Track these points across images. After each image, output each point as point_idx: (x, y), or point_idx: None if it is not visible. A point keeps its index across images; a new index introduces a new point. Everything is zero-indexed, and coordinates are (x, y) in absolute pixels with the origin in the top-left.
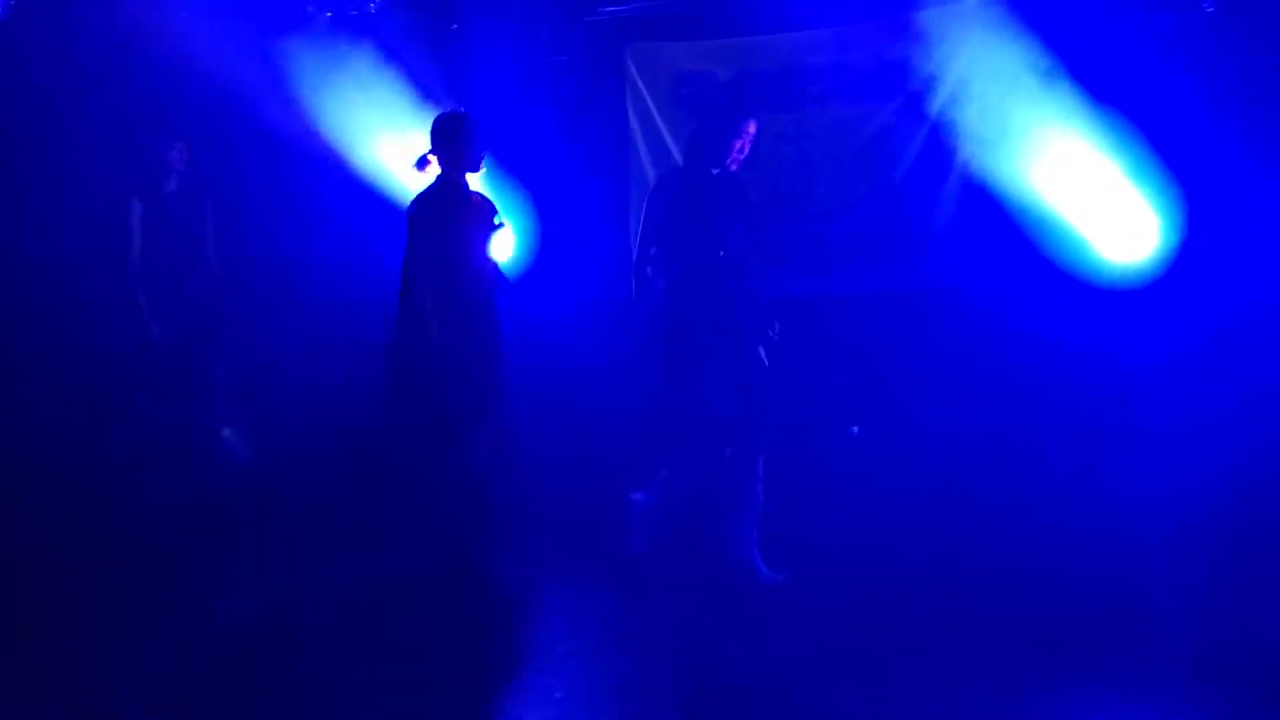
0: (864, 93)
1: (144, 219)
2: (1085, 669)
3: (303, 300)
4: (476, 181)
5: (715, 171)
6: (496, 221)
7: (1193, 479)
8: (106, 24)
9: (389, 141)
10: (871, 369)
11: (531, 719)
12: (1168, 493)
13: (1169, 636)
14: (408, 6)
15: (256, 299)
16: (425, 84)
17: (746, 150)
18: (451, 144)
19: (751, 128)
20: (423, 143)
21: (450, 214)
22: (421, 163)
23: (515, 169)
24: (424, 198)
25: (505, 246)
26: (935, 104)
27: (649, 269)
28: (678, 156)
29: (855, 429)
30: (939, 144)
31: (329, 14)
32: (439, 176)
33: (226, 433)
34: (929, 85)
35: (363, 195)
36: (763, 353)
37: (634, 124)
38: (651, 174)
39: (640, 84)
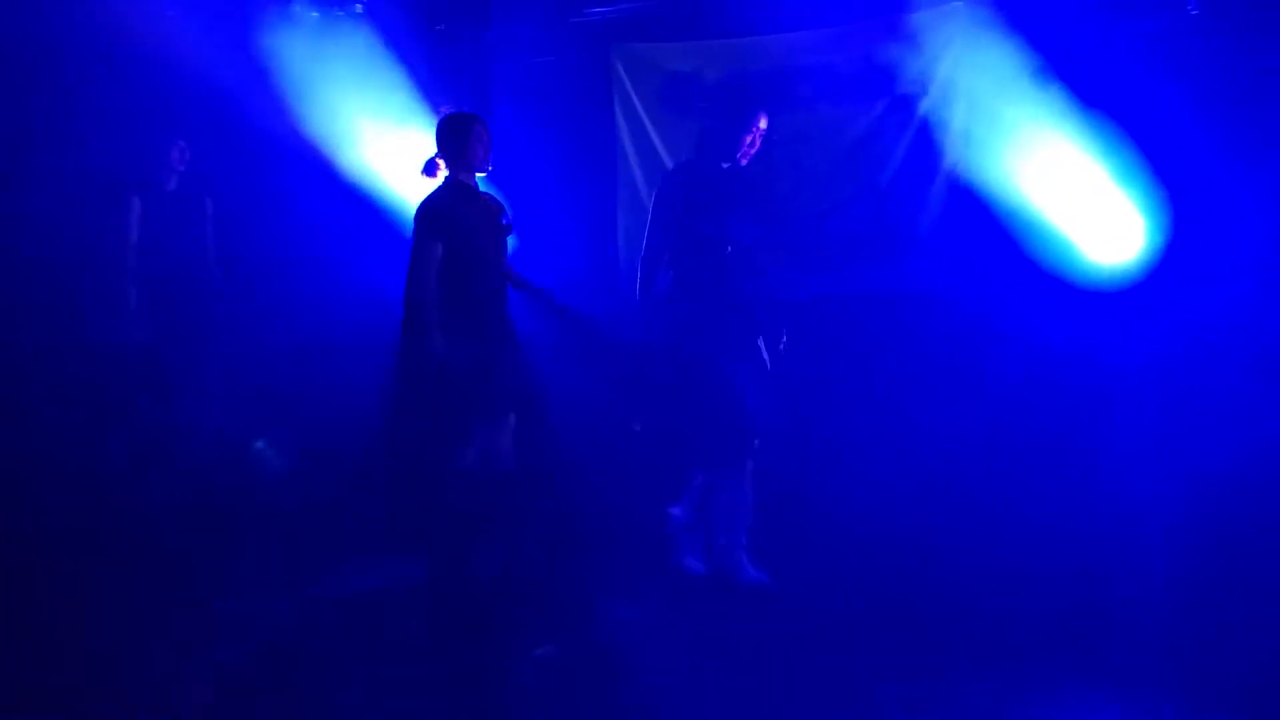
0: (851, 95)
1: (143, 217)
2: (1076, 669)
3: (296, 300)
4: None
5: (725, 166)
6: (506, 222)
7: (1179, 480)
8: (92, 22)
9: (374, 141)
10: (859, 370)
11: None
12: (1154, 494)
13: (1155, 637)
14: (394, 7)
15: (254, 298)
16: (412, 84)
17: (757, 144)
18: (459, 145)
19: (762, 122)
20: (414, 143)
21: (463, 216)
22: (430, 168)
23: (501, 170)
24: (433, 200)
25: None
26: (922, 106)
27: (655, 265)
28: (665, 157)
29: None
30: (926, 146)
31: (315, 14)
32: (447, 178)
33: (260, 444)
34: (916, 87)
35: (350, 195)
36: (765, 354)
37: (621, 125)
38: (639, 175)
39: (628, 85)
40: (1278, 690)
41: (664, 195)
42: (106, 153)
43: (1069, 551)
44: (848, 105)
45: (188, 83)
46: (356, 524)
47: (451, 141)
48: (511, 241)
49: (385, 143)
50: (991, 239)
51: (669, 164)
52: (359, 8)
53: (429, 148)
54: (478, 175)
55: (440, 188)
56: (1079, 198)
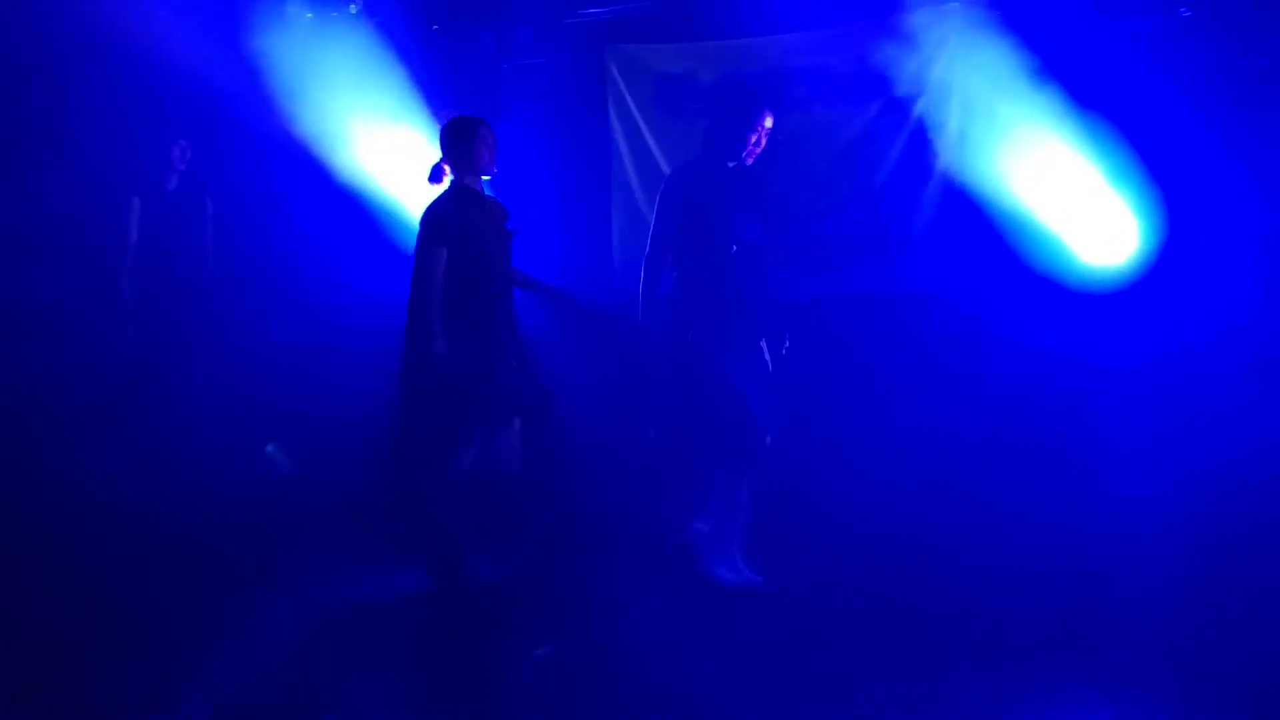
0: (846, 96)
1: (144, 216)
2: (1074, 670)
3: (292, 299)
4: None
5: (731, 165)
6: (511, 227)
7: (1175, 480)
8: (88, 24)
9: (368, 141)
10: (853, 370)
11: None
12: (1150, 494)
13: (1152, 637)
14: (389, 7)
15: (253, 297)
16: (407, 85)
17: (763, 144)
18: (464, 149)
19: (768, 121)
20: (408, 144)
21: (468, 221)
22: (436, 174)
23: (496, 171)
24: (438, 205)
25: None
26: (917, 108)
27: (660, 265)
28: (660, 158)
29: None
30: (920, 148)
31: (310, 14)
32: (452, 183)
33: (270, 448)
34: (910, 89)
35: (345, 196)
36: (767, 356)
37: (616, 126)
38: (634, 176)
39: (622, 86)
40: (1275, 690)
41: (669, 195)
42: (106, 152)
43: (1064, 551)
44: (842, 107)
45: (182, 83)
46: (357, 526)
47: (456, 145)
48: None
49: (379, 143)
50: (986, 240)
51: (663, 165)
52: (354, 8)
53: (421, 148)
54: (483, 179)
55: (445, 192)
56: (1073, 199)
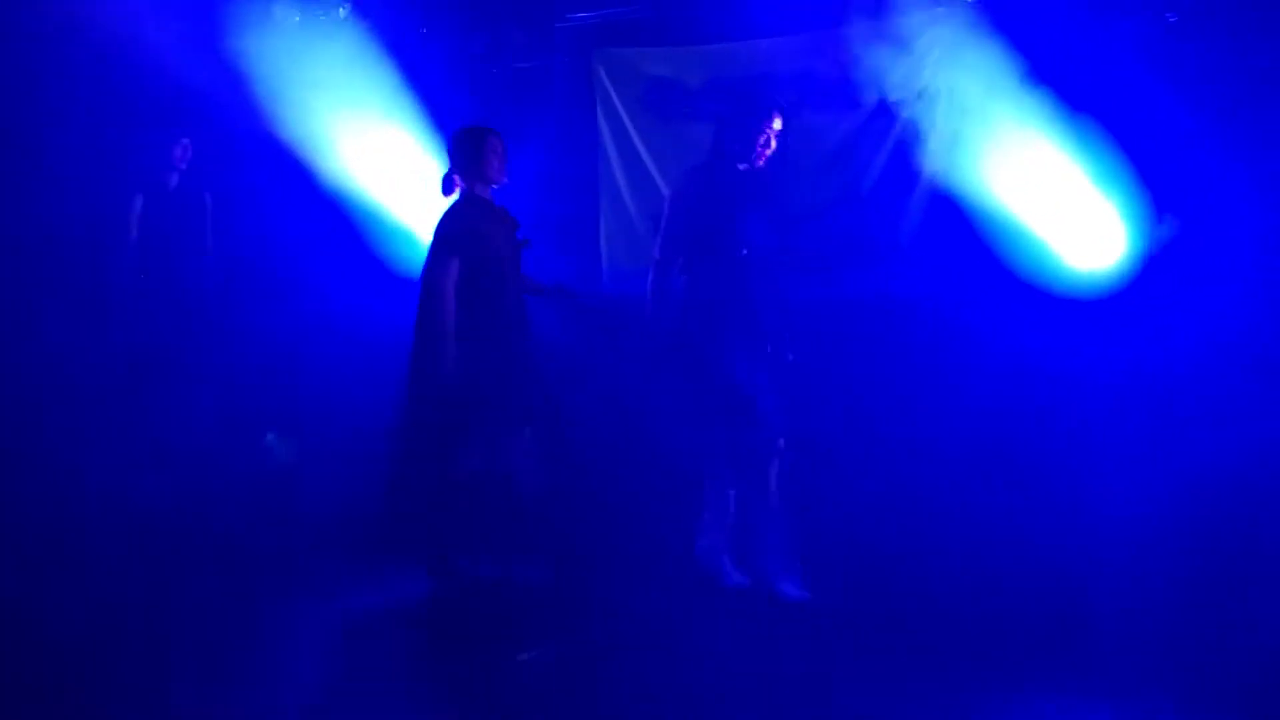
0: (833, 102)
1: (145, 214)
2: (1065, 672)
3: (288, 299)
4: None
5: (742, 167)
6: (522, 237)
7: (1163, 485)
8: (80, 25)
9: (356, 145)
10: (838, 376)
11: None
12: (1138, 499)
13: (1145, 640)
14: (378, 11)
15: (250, 296)
16: (395, 88)
17: (773, 145)
18: (474, 158)
19: (777, 122)
20: (396, 147)
21: (480, 231)
22: (448, 185)
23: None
24: (451, 216)
25: None
26: (904, 112)
27: (669, 269)
28: (648, 161)
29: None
30: (907, 153)
31: (297, 17)
32: (463, 192)
33: (269, 437)
34: (897, 93)
35: (333, 199)
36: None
37: (604, 129)
38: (622, 179)
39: (610, 90)
40: (1269, 691)
41: (678, 198)
42: (100, 152)
43: (1052, 556)
44: (830, 112)
45: (168, 84)
46: (358, 527)
47: (466, 155)
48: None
49: (366, 146)
50: (973, 246)
51: (652, 168)
52: (342, 11)
53: (409, 151)
54: (493, 188)
55: (457, 202)
56: (1061, 203)
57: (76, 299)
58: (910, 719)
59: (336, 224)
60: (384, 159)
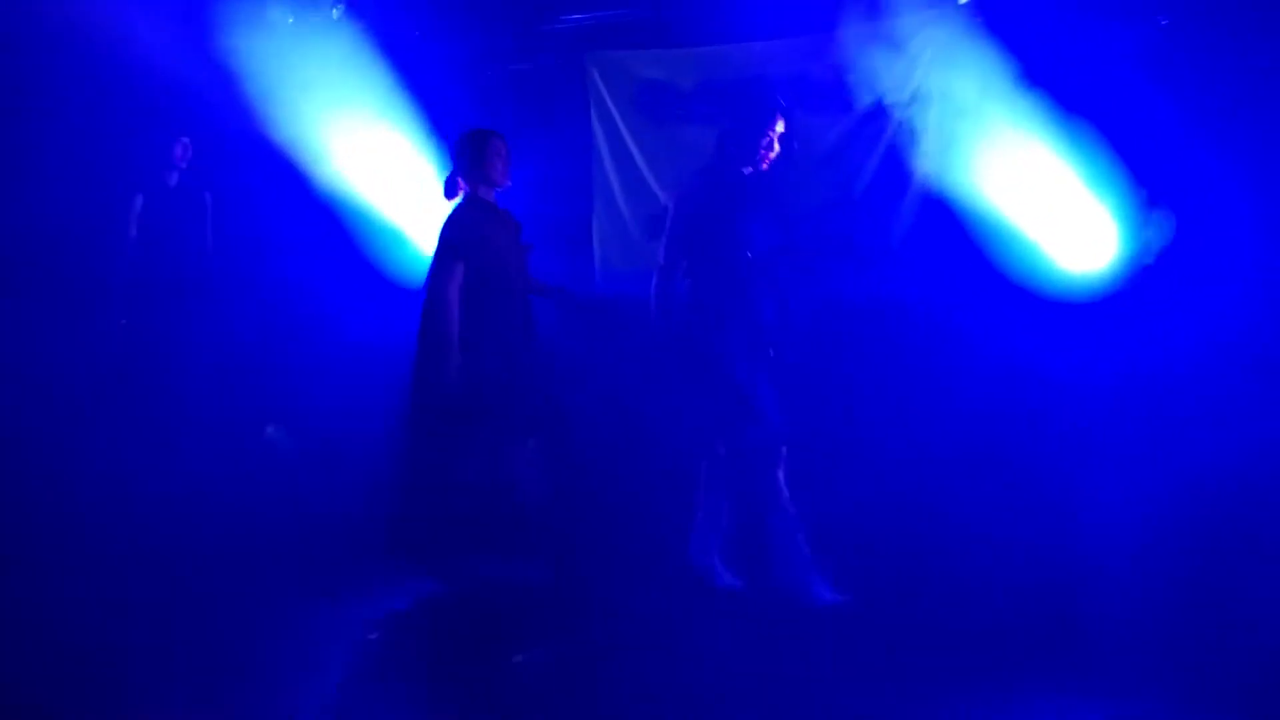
0: (826, 104)
1: (147, 212)
2: (1058, 674)
3: (278, 300)
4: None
5: (747, 171)
6: (527, 241)
7: (1155, 488)
8: (72, 27)
9: (348, 146)
10: (829, 377)
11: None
12: (1130, 501)
13: (1136, 641)
14: (371, 13)
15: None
16: (388, 90)
17: (776, 148)
18: (477, 161)
19: (779, 125)
20: (389, 148)
21: (485, 234)
22: (451, 187)
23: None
24: (455, 218)
25: None
26: (896, 115)
27: (674, 273)
28: (641, 163)
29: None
30: (900, 155)
31: (291, 18)
32: (466, 195)
33: (270, 429)
34: (890, 96)
35: (326, 200)
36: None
37: (597, 132)
38: (615, 181)
39: (603, 92)
40: (1266, 691)
41: (683, 202)
42: (104, 151)
43: (1045, 557)
44: (823, 115)
45: (160, 85)
46: (357, 531)
47: (470, 158)
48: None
49: (359, 147)
50: (965, 248)
51: (645, 170)
52: (335, 13)
53: (403, 152)
54: (496, 190)
55: (461, 205)
56: (1053, 205)
57: (76, 297)
58: (910, 717)
59: (328, 224)
60: (376, 160)
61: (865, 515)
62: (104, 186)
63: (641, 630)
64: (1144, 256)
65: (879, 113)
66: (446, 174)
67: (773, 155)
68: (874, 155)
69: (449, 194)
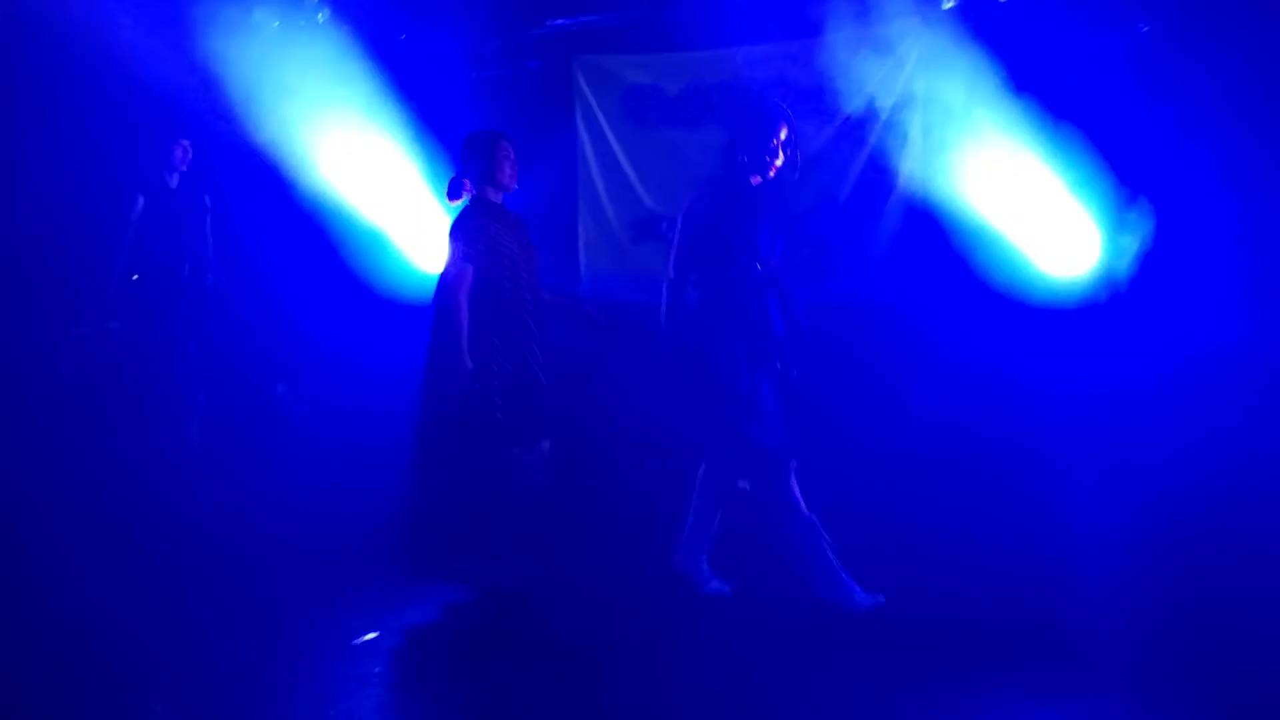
0: (810, 109)
1: (149, 214)
2: (1039, 679)
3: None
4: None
5: (756, 181)
6: (534, 241)
7: (1131, 494)
8: (59, 33)
9: (334, 148)
10: (811, 381)
11: None
12: (1112, 504)
13: (1117, 647)
14: (355, 17)
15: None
16: (374, 94)
17: (782, 155)
18: (486, 163)
19: (783, 132)
20: (375, 151)
21: (494, 235)
22: (456, 189)
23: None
24: (465, 220)
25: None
26: (880, 121)
27: (685, 288)
28: (626, 167)
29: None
30: (884, 162)
31: (276, 22)
32: (473, 197)
33: (280, 388)
34: (874, 102)
35: (309, 203)
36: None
37: (583, 135)
38: (601, 184)
39: (589, 96)
40: (1252, 692)
41: (692, 214)
42: (98, 154)
43: (1025, 561)
44: (807, 120)
45: (142, 88)
46: (364, 534)
47: (478, 160)
48: None
49: (344, 149)
50: (948, 253)
51: (630, 174)
52: (321, 16)
53: (388, 155)
54: (504, 193)
55: (468, 208)
56: (1036, 212)
57: (76, 298)
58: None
59: (314, 228)
60: (361, 163)
61: (844, 519)
62: (101, 189)
63: (629, 634)
64: (1125, 261)
65: (864, 118)
66: (451, 176)
67: (779, 164)
68: (858, 160)
69: (453, 195)
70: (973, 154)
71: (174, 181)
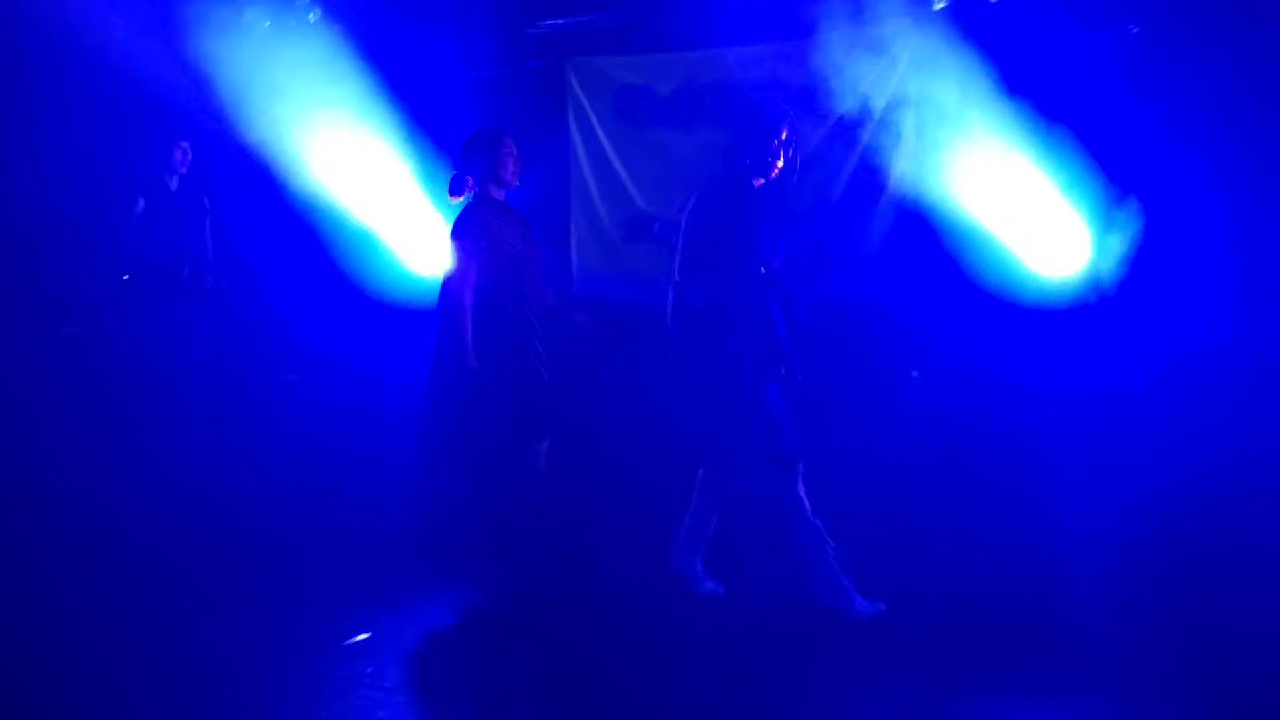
0: (802, 110)
1: (149, 216)
2: (1031, 680)
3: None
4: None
5: (757, 182)
6: (537, 238)
7: (1122, 493)
8: (52, 34)
9: (326, 148)
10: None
11: None
12: (1096, 505)
13: (1109, 647)
14: (347, 17)
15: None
16: (366, 93)
17: (785, 156)
18: (490, 160)
19: (785, 133)
20: (366, 151)
21: (498, 233)
22: (458, 185)
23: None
24: (468, 217)
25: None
26: (871, 121)
27: (689, 291)
28: (618, 167)
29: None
30: (875, 162)
31: (267, 22)
32: (476, 194)
33: (294, 376)
34: (866, 103)
35: (301, 203)
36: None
37: (575, 136)
38: (593, 184)
39: (581, 97)
40: (1249, 693)
41: (694, 218)
42: (90, 152)
43: (1016, 559)
44: (800, 120)
45: (131, 88)
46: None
47: (482, 157)
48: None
49: (334, 150)
50: (940, 254)
51: (622, 174)
52: (312, 16)
53: (379, 155)
54: (507, 190)
55: (471, 205)
56: (1027, 212)
57: (61, 298)
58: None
59: (302, 227)
60: (352, 163)
61: (833, 519)
62: (88, 188)
63: (626, 635)
64: (1115, 262)
65: (855, 118)
66: (453, 173)
67: (780, 164)
68: (850, 160)
69: (455, 192)
70: (964, 154)
71: (174, 184)
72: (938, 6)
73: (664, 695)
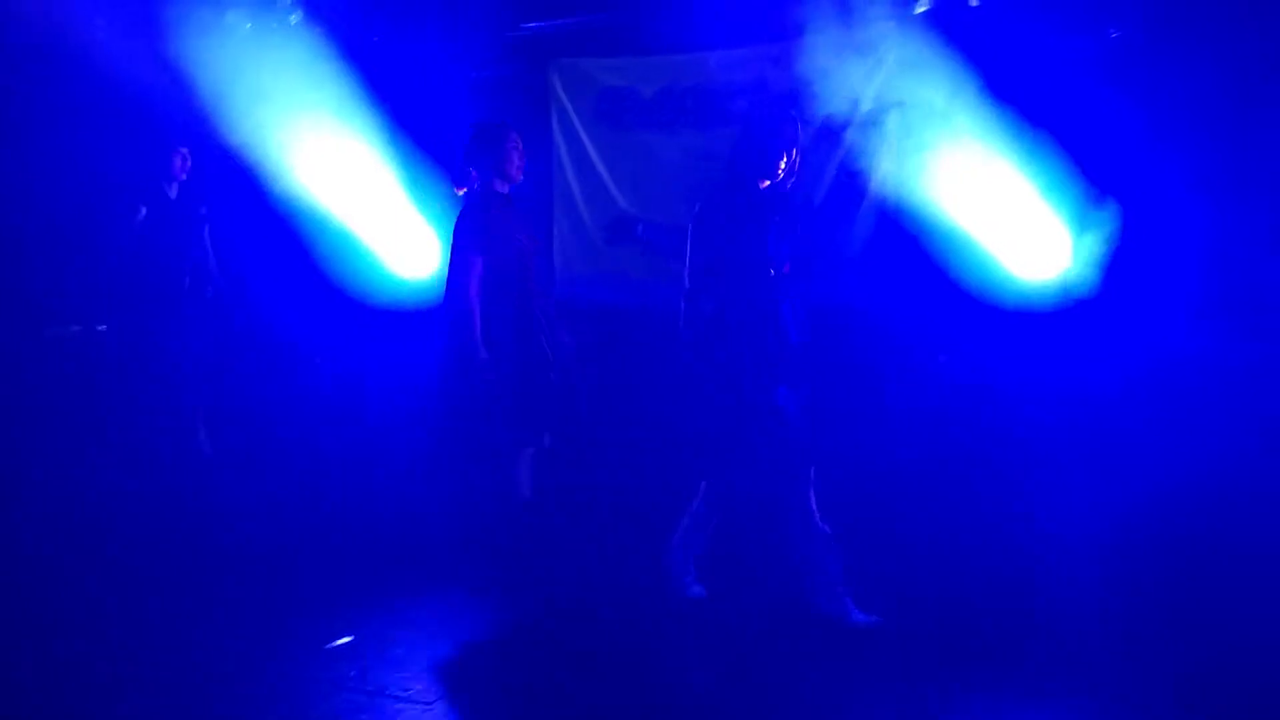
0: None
1: (150, 223)
2: (1025, 683)
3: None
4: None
5: (765, 185)
6: (537, 234)
7: (1108, 497)
8: (38, 39)
9: (308, 151)
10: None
11: None
12: (1081, 509)
13: (1101, 648)
14: (329, 19)
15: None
16: (348, 97)
17: (793, 158)
18: (496, 155)
19: (788, 135)
20: (348, 153)
21: (502, 227)
22: (461, 179)
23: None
24: (472, 212)
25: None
26: (854, 124)
27: (699, 296)
28: (601, 169)
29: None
30: (858, 165)
31: (249, 25)
32: (481, 189)
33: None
34: (848, 105)
35: (286, 206)
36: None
37: (558, 139)
38: (575, 186)
39: (565, 99)
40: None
41: (700, 223)
42: (74, 155)
43: (1004, 560)
44: None
45: (111, 91)
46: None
47: (488, 151)
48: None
49: (317, 152)
50: (923, 257)
51: (605, 176)
52: (294, 18)
53: (361, 158)
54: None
55: (474, 200)
56: (1009, 215)
57: (75, 302)
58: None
59: (286, 230)
60: (336, 166)
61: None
62: (73, 192)
63: (624, 635)
64: (1095, 264)
65: (838, 122)
66: (456, 166)
67: (785, 167)
68: (832, 164)
69: (458, 184)
70: (946, 157)
71: (174, 191)
72: (919, 10)
73: (663, 695)
